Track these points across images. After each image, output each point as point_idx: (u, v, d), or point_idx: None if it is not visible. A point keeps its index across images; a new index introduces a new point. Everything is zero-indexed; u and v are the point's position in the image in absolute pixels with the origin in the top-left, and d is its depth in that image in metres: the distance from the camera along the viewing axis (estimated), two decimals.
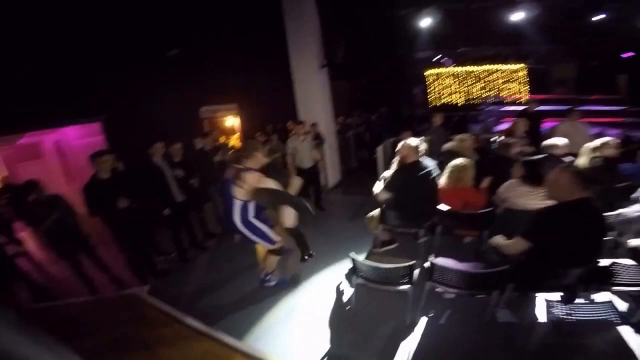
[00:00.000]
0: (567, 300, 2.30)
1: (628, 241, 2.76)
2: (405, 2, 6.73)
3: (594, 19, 6.88)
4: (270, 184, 3.00)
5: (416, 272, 2.55)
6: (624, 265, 2.20)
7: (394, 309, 2.82)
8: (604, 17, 6.76)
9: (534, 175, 2.95)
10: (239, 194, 2.98)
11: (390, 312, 2.83)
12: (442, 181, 3.52)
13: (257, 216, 3.15)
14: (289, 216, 3.31)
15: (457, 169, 3.43)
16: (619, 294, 2.54)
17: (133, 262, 4.02)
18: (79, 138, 7.42)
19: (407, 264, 2.41)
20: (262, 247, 3.47)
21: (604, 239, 2.28)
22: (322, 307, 3.10)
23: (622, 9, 6.61)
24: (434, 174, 3.51)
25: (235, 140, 9.23)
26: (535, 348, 2.34)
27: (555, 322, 2.28)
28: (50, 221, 3.66)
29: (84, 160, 7.21)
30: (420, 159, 3.52)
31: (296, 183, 3.30)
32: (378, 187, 3.80)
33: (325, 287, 3.43)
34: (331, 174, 6.98)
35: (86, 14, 5.36)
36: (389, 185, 3.59)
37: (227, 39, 7.58)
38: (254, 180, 2.94)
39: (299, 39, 6.47)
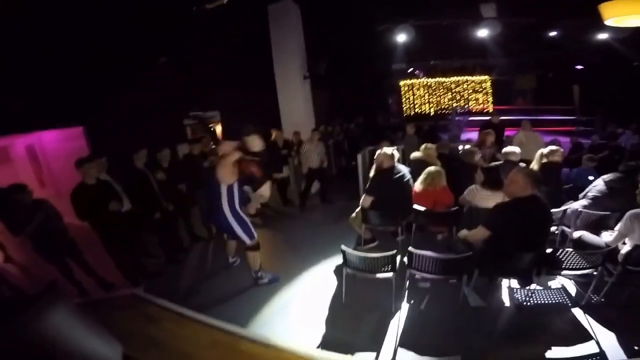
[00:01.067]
0: (523, 283, 2.75)
1: (573, 233, 3.27)
2: (383, 19, 7.23)
3: (549, 34, 7.68)
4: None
5: (398, 259, 2.90)
6: (569, 252, 2.64)
7: (380, 297, 3.16)
8: (557, 33, 7.60)
9: (493, 181, 3.43)
10: (220, 172, 3.19)
11: (377, 300, 3.16)
12: (417, 185, 3.97)
13: (241, 205, 3.34)
14: (266, 189, 3.65)
15: (431, 175, 3.89)
16: (571, 280, 3.06)
17: (123, 265, 4.01)
18: (56, 142, 7.28)
19: (390, 253, 2.76)
20: (233, 245, 3.88)
21: (550, 229, 2.74)
22: (315, 299, 3.39)
23: (573, 25, 7.43)
24: (408, 177, 3.98)
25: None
26: (502, 329, 2.77)
27: (517, 306, 2.71)
28: (32, 225, 3.61)
29: (61, 165, 7.22)
30: (395, 165, 3.96)
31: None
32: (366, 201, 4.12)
33: (316, 281, 3.73)
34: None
35: (74, 17, 5.38)
36: (369, 190, 3.99)
37: (212, 48, 7.76)
38: (228, 147, 3.20)
39: (283, 50, 6.82)
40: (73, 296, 3.70)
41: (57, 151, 7.43)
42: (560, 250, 2.67)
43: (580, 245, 3.09)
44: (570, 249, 2.70)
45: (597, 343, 2.47)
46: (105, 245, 3.84)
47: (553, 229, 3.52)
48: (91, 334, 1.49)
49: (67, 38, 5.27)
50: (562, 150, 4.36)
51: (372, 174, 4.17)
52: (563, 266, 2.70)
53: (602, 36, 7.54)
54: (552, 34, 7.65)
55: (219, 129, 9.40)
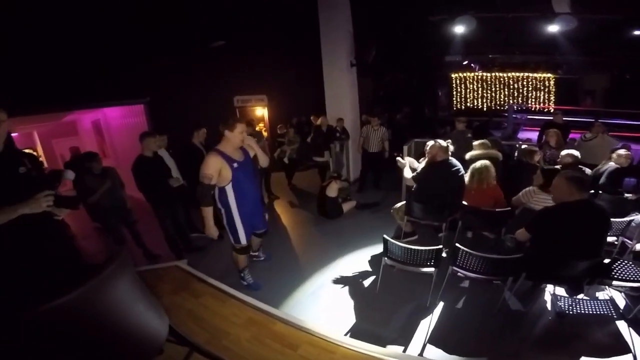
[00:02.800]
0: (572, 291, 2.58)
1: (635, 245, 2.99)
2: (441, 8, 6.88)
3: (633, 33, 6.86)
4: (212, 167, 2.83)
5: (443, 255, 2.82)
6: (626, 264, 2.45)
7: (415, 291, 3.13)
8: None
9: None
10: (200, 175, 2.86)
11: (411, 295, 3.13)
12: (467, 184, 3.74)
13: (242, 211, 3.08)
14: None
15: (479, 171, 3.67)
16: (621, 293, 2.82)
17: (170, 238, 4.17)
18: (119, 118, 7.90)
19: (435, 247, 2.70)
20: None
21: (606, 237, 2.52)
22: (348, 287, 3.41)
23: None
24: (462, 172, 3.74)
25: (260, 129, 9.59)
26: (538, 335, 2.62)
27: (559, 313, 2.58)
28: (101, 191, 3.93)
29: (122, 138, 7.84)
30: (450, 158, 3.76)
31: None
32: (408, 173, 4.07)
33: (350, 269, 3.74)
34: (353, 169, 7.28)
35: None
36: (418, 175, 3.85)
37: (263, 33, 7.93)
38: (205, 160, 2.87)
39: (331, 36, 6.75)
40: None
41: (119, 126, 8.08)
42: (619, 260, 2.47)
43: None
44: (629, 261, 2.49)
45: (635, 357, 2.30)
46: (158, 216, 4.03)
47: (613, 239, 3.23)
48: (148, 305, 1.57)
49: (132, 22, 5.68)
50: (629, 154, 3.97)
51: (422, 164, 4.02)
52: (617, 277, 2.49)
53: None
54: (637, 32, 6.81)
55: (260, 112, 9.62)
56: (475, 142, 4.56)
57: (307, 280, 3.57)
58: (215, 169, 2.85)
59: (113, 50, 5.67)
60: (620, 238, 3.28)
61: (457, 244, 2.67)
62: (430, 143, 3.81)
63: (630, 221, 3.22)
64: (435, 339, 2.60)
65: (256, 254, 3.96)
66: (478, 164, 3.72)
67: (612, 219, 2.61)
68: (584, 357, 2.36)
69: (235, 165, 2.96)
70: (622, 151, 4.06)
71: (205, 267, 3.88)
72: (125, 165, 4.29)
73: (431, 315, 2.85)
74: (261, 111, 9.61)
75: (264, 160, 3.39)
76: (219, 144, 2.99)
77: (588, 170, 3.87)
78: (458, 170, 3.70)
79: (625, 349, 2.38)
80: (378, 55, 7.03)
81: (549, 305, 2.85)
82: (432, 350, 2.50)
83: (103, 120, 8.87)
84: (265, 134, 8.75)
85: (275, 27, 8.09)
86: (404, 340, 2.62)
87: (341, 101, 7.10)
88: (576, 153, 3.99)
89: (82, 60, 5.34)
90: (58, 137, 10.58)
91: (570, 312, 2.53)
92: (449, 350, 2.48)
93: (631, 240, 3.21)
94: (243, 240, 3.21)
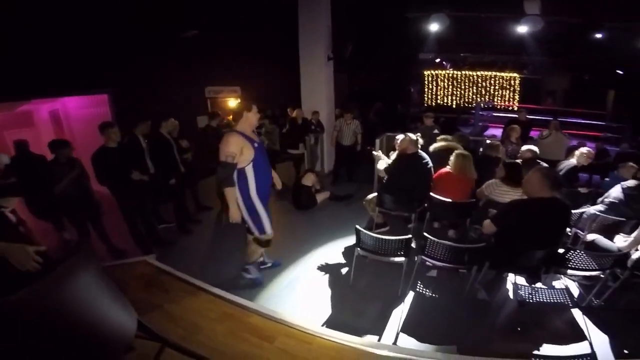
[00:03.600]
0: (531, 280, 2.75)
1: (587, 235, 3.23)
2: (417, 7, 7.00)
3: (594, 35, 7.29)
4: (234, 144, 2.74)
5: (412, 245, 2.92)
6: (579, 253, 2.64)
7: (387, 281, 3.22)
8: (603, 36, 7.21)
9: (514, 177, 3.36)
10: (221, 154, 2.76)
11: (384, 284, 3.23)
12: (449, 167, 3.81)
13: (260, 194, 2.93)
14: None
15: (463, 156, 3.76)
16: (575, 282, 3.08)
17: (137, 232, 4.05)
18: (80, 108, 7.45)
19: (405, 237, 2.79)
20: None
21: (565, 230, 2.70)
22: (322, 279, 3.46)
23: (620, 28, 7.06)
24: (430, 165, 3.91)
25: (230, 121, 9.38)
26: (502, 323, 2.81)
27: (520, 302, 2.73)
28: (66, 181, 3.70)
29: (83, 130, 7.40)
30: (419, 151, 3.91)
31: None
32: (382, 164, 4.22)
33: (324, 260, 3.79)
34: (327, 162, 7.34)
35: None
36: (389, 167, 4.01)
37: (238, 24, 7.71)
38: (225, 139, 2.77)
39: (310, 29, 6.73)
40: None
41: (80, 116, 7.61)
42: (572, 250, 2.67)
43: (592, 248, 3.06)
44: (581, 251, 2.70)
45: (590, 344, 2.49)
46: (123, 210, 3.90)
47: (567, 230, 3.47)
48: (113, 299, 1.51)
49: (96, 6, 5.34)
50: (590, 153, 4.28)
51: (392, 157, 4.15)
52: (571, 266, 2.70)
53: None
54: (598, 35, 7.26)
55: (233, 104, 9.40)
56: (439, 137, 4.79)
57: (282, 272, 3.58)
58: (238, 147, 2.76)
59: (75, 37, 5.30)
60: (574, 229, 3.55)
61: (424, 233, 2.76)
62: (401, 137, 3.95)
63: (582, 213, 3.48)
64: (408, 328, 2.70)
65: (261, 259, 3.60)
66: (467, 152, 3.85)
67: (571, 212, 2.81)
68: (545, 344, 2.53)
69: (255, 145, 2.90)
70: (584, 149, 4.32)
71: (175, 261, 3.77)
72: (86, 158, 4.05)
73: (403, 304, 2.95)
74: (234, 102, 9.39)
75: None
76: (236, 126, 2.92)
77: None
78: (427, 163, 3.88)
79: (581, 336, 2.57)
80: (355, 51, 7.06)
81: (511, 294, 3.02)
82: (405, 339, 2.60)
83: (62, 110, 8.29)
84: None
85: (251, 18, 7.89)
86: (378, 329, 2.71)
87: (317, 95, 7.11)
88: (535, 148, 4.27)
89: (41, 47, 4.95)
90: (10, 128, 9.81)
91: (530, 301, 2.70)
92: (421, 338, 2.59)
93: (583, 231, 3.46)
94: (268, 228, 3.04)
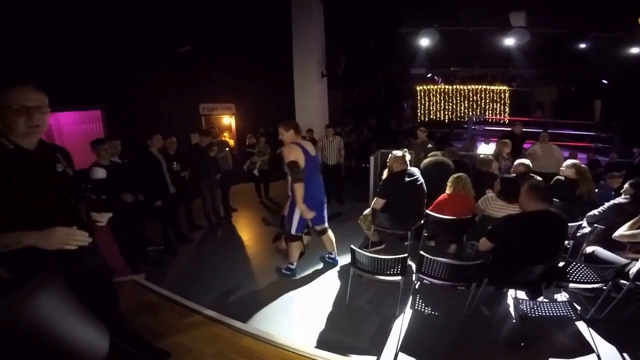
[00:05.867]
0: (532, 295, 2.69)
1: (586, 248, 3.19)
2: (407, 22, 7.15)
3: (577, 46, 7.48)
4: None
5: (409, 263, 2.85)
6: (580, 266, 2.60)
7: (384, 301, 3.14)
8: (587, 46, 7.40)
9: (509, 192, 3.34)
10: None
11: (381, 304, 3.14)
12: (448, 191, 3.82)
13: (307, 197, 3.33)
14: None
15: (463, 181, 3.76)
16: (576, 295, 3.00)
17: (126, 251, 3.96)
18: (73, 124, 7.39)
19: (401, 256, 2.72)
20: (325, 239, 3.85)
21: (564, 243, 2.67)
22: (318, 298, 3.35)
23: (604, 39, 7.25)
24: (421, 181, 3.88)
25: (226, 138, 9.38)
26: (505, 339, 2.72)
27: (522, 316, 2.68)
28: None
29: (76, 145, 7.32)
30: (408, 168, 3.88)
31: None
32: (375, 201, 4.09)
33: (319, 280, 3.70)
34: None
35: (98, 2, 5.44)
36: (380, 192, 3.92)
37: (233, 41, 7.81)
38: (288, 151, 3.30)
39: (303, 46, 6.83)
40: None
41: (73, 132, 7.54)
42: (573, 263, 2.62)
43: (592, 260, 3.01)
44: (581, 263, 2.66)
45: (598, 356, 2.44)
46: (113, 229, 3.78)
47: (565, 242, 3.42)
48: (81, 321, 1.44)
49: (90, 22, 5.36)
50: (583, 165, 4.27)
51: (384, 176, 4.11)
52: (573, 279, 2.65)
53: (634, 51, 7.29)
54: (581, 46, 7.45)
55: (227, 121, 9.43)
56: (430, 154, 4.83)
57: (276, 293, 3.45)
58: (297, 156, 3.26)
59: (70, 52, 5.32)
60: (571, 242, 3.50)
61: (421, 252, 2.71)
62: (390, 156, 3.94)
63: (579, 225, 3.44)
64: (407, 347, 2.60)
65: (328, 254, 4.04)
66: (463, 175, 3.84)
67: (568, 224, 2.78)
68: (551, 359, 2.45)
69: (310, 156, 3.37)
70: (568, 162, 4.28)
71: (165, 280, 3.69)
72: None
73: (401, 323, 2.86)
74: (228, 120, 9.42)
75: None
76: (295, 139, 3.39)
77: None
78: (417, 180, 3.85)
79: (587, 349, 2.51)
80: (347, 67, 7.15)
81: (512, 309, 2.96)
82: (404, 359, 2.50)
83: (55, 126, 8.23)
84: (231, 142, 8.56)
85: (246, 35, 7.99)
86: (376, 350, 2.60)
87: (311, 112, 7.14)
88: (527, 161, 4.27)
89: (33, 61, 4.92)
90: None
91: (533, 315, 2.65)
92: (421, 357, 2.49)
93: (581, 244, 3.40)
94: (294, 229, 3.52)
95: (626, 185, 3.32)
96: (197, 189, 5.13)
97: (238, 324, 2.80)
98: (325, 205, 3.77)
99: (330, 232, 3.86)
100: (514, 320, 2.86)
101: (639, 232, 2.74)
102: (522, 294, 2.89)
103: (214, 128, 6.10)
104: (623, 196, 3.30)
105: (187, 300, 3.13)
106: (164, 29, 6.30)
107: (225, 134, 9.29)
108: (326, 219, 3.79)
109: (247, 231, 5.47)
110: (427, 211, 3.77)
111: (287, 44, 6.96)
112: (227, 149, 6.16)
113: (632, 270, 2.65)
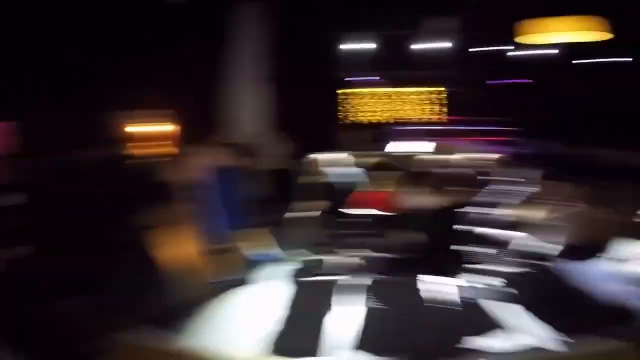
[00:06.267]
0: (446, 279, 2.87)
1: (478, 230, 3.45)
2: (342, 28, 7.35)
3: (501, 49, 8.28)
4: None
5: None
6: (474, 250, 2.87)
7: (329, 301, 3.08)
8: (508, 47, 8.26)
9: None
10: None
11: (326, 304, 3.07)
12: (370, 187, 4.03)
13: None
14: None
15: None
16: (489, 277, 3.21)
17: None
18: None
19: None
20: None
21: (457, 229, 2.99)
22: (260, 304, 3.20)
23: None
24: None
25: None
26: (438, 322, 2.82)
27: (463, 301, 2.75)
28: None
29: None
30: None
31: None
32: None
33: (260, 286, 3.54)
34: None
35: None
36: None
37: (157, 44, 7.37)
38: None
39: (243, 50, 6.74)
40: None
41: None
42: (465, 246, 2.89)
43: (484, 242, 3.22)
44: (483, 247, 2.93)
45: (526, 333, 2.60)
46: None
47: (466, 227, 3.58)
48: None
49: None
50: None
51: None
52: (471, 261, 2.87)
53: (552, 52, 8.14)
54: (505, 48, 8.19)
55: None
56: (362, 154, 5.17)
57: (215, 302, 3.19)
58: None
59: None
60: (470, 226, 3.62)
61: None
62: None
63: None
64: (359, 342, 2.58)
65: None
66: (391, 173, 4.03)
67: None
68: (476, 338, 2.55)
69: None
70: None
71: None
72: None
73: (348, 320, 2.84)
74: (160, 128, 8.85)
75: None
76: None
77: None
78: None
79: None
80: (287, 72, 7.13)
81: (450, 296, 3.06)
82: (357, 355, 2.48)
83: None
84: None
85: (177, 40, 7.57)
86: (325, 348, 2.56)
87: (247, 118, 6.94)
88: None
89: None
90: None
91: (471, 300, 2.76)
92: (376, 351, 2.48)
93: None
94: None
95: None
96: None
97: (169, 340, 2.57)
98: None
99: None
100: (454, 307, 2.95)
101: None
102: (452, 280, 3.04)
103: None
104: None
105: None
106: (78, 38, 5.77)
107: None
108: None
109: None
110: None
111: (220, 47, 6.71)
112: None
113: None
